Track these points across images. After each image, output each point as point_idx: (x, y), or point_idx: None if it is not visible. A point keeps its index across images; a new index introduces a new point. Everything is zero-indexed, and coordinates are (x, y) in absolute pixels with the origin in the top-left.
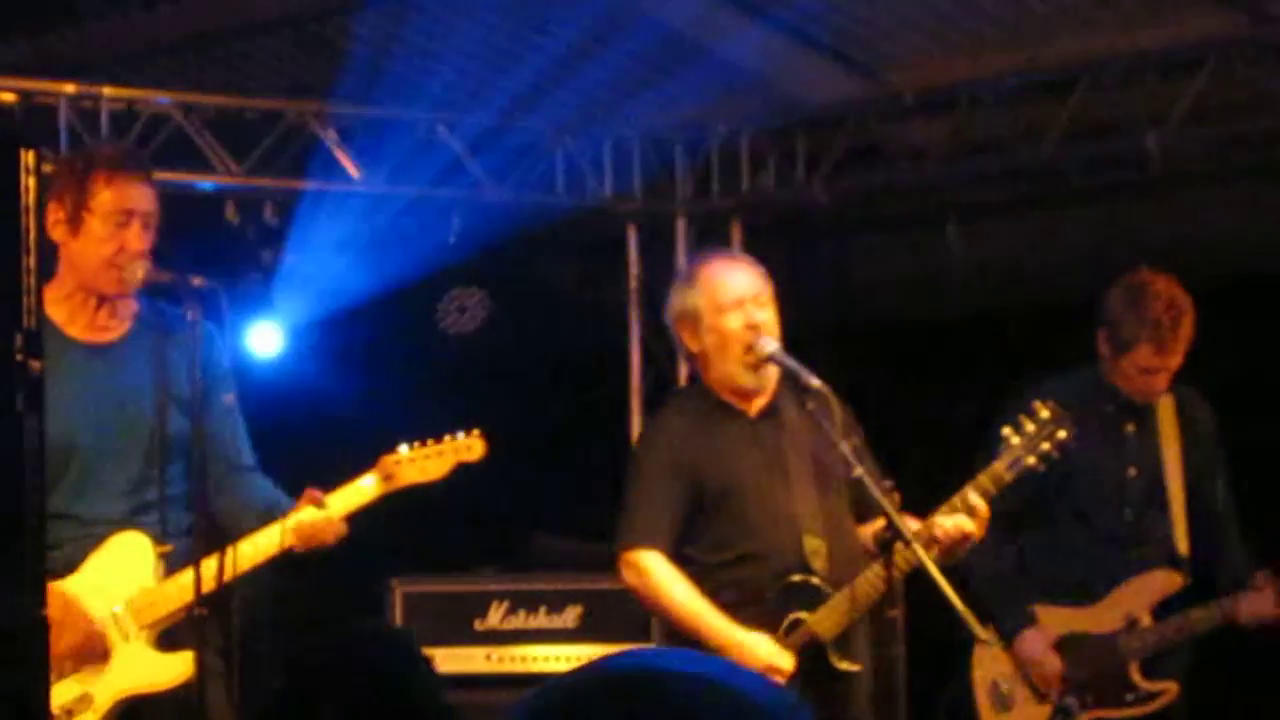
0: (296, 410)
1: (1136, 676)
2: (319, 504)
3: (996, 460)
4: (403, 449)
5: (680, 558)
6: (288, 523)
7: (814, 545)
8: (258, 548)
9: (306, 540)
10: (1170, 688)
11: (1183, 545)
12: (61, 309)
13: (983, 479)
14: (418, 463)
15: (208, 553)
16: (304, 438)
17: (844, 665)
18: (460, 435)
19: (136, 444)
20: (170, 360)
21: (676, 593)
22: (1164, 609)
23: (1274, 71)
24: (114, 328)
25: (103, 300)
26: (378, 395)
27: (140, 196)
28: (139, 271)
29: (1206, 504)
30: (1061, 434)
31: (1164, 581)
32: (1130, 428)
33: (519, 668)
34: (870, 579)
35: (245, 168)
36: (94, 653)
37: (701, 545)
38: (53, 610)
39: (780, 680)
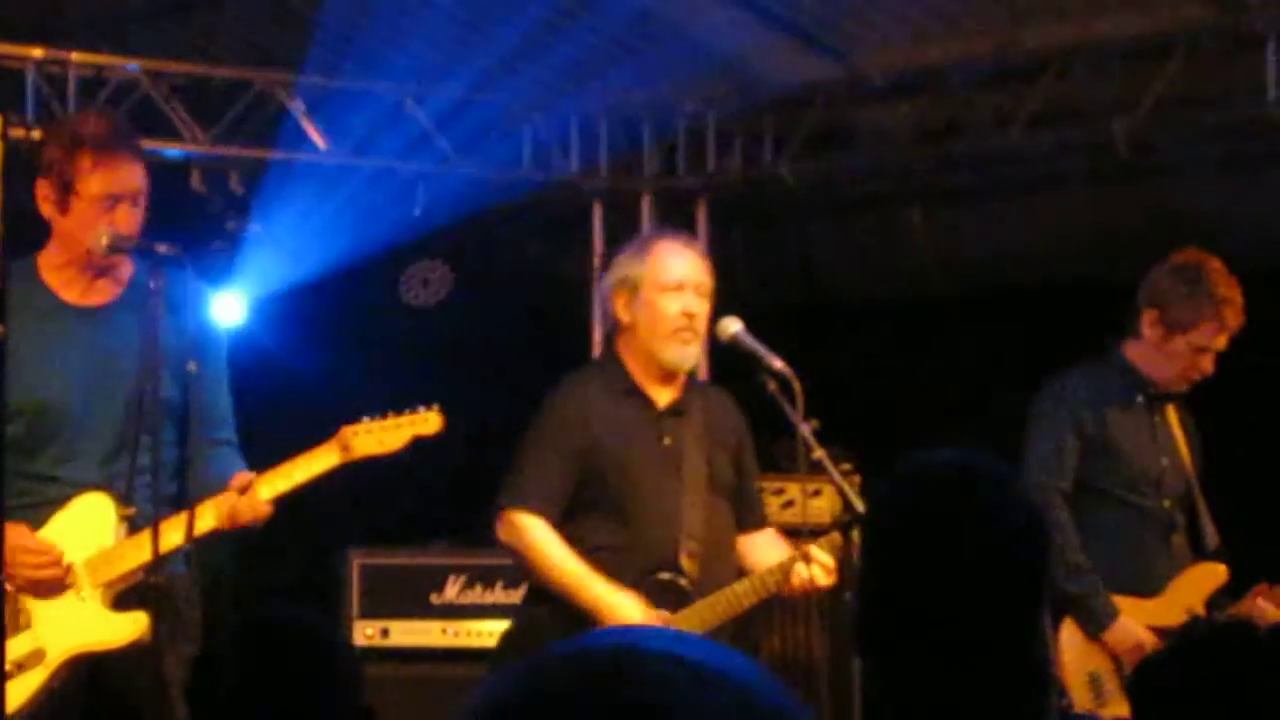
0: (257, 380)
1: None
2: (243, 488)
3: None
4: (364, 420)
5: (560, 533)
6: (210, 506)
7: (690, 548)
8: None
9: (228, 522)
10: None
11: (1214, 538)
12: (57, 276)
13: (824, 541)
14: (375, 434)
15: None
16: (264, 408)
17: None
18: (420, 409)
19: (123, 409)
20: (165, 324)
21: (553, 552)
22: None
23: (1243, 60)
24: (108, 291)
25: (95, 266)
26: (339, 367)
27: (127, 177)
28: (104, 238)
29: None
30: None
31: (1213, 574)
32: (1158, 419)
33: (475, 642)
34: (753, 586)
35: (212, 136)
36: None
37: (581, 525)
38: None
39: None
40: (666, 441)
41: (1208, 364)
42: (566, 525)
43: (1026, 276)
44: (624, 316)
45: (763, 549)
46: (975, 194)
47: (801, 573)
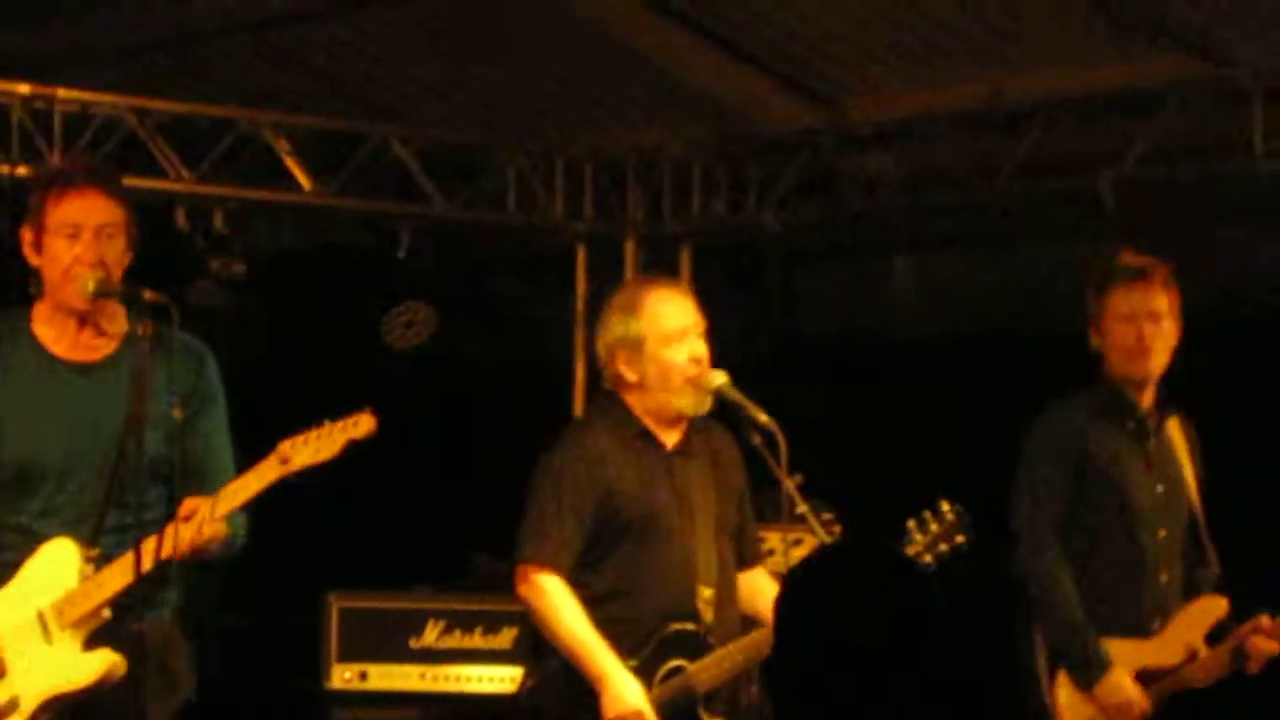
0: (237, 420)
1: None
2: (188, 515)
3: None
4: (300, 433)
5: (573, 580)
6: (165, 537)
7: (706, 595)
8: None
9: (183, 549)
10: None
11: (1214, 567)
12: (48, 329)
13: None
14: (311, 444)
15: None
16: (241, 446)
17: None
18: (352, 414)
19: (103, 467)
20: (153, 376)
21: (566, 617)
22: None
23: (1230, 115)
24: (100, 347)
25: (85, 319)
26: (319, 406)
27: (90, 208)
28: (90, 284)
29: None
30: (960, 539)
31: (1213, 608)
32: (1151, 444)
33: (453, 687)
34: (770, 634)
35: (197, 174)
36: None
37: (597, 571)
38: None
39: None
40: (677, 484)
41: (1146, 332)
42: (584, 572)
43: (1010, 325)
44: (630, 375)
45: (760, 588)
46: (960, 243)
47: None
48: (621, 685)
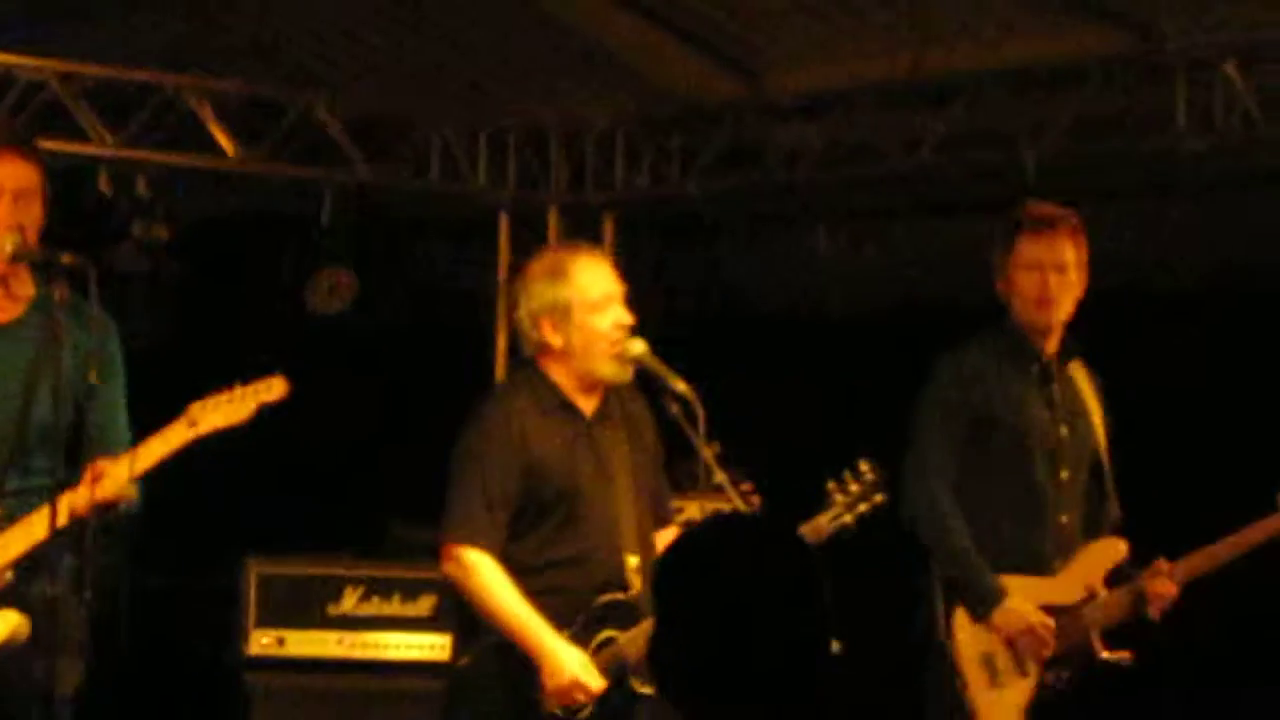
0: (157, 385)
1: (1099, 648)
2: (95, 477)
3: (820, 514)
4: (210, 395)
5: (501, 555)
6: (67, 500)
7: (633, 562)
8: (37, 525)
9: (86, 509)
10: (1125, 656)
11: (1116, 509)
12: None
13: (805, 530)
14: (222, 407)
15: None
16: (160, 409)
17: (644, 689)
18: (263, 380)
19: (11, 429)
20: (66, 347)
21: (499, 594)
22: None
23: (1154, 90)
24: (8, 309)
25: None
26: (241, 371)
27: (8, 172)
28: (8, 245)
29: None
30: (879, 498)
31: (1114, 549)
32: (1056, 388)
33: (370, 654)
34: None
35: (120, 139)
36: None
37: (526, 544)
38: None
39: (584, 698)
40: (598, 453)
41: (1051, 285)
42: (512, 544)
43: (931, 297)
44: (554, 341)
45: None
46: (883, 216)
47: None
48: (561, 656)
